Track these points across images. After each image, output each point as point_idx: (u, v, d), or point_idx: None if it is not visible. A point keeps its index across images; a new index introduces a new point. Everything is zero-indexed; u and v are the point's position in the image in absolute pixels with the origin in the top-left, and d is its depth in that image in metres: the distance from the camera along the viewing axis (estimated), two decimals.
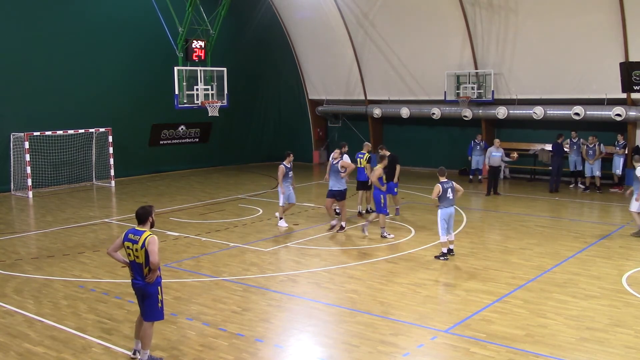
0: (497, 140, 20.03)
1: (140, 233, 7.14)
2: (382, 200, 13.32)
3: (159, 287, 7.24)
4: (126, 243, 7.21)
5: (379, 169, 13.36)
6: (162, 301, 7.30)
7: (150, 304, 7.20)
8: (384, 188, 13.33)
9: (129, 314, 8.92)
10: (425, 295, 9.66)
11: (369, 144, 16.79)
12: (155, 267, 7.05)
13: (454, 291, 9.82)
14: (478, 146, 21.67)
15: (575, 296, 9.50)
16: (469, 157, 21.69)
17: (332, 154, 14.89)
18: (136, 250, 7.09)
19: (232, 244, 13.08)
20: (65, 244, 13.31)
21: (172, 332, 8.21)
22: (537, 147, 21.38)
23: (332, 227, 14.17)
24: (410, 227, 14.52)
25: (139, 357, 7.32)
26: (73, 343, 7.91)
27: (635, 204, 13.37)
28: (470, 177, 22.29)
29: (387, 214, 13.80)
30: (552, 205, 17.55)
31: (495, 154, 19.26)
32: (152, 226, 7.31)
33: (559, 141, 19.68)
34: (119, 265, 11.41)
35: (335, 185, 13.84)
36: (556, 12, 19.97)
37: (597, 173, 19.58)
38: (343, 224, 14.06)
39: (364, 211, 16.11)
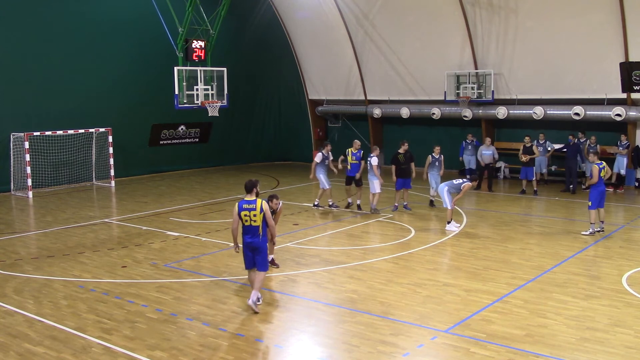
0: (487, 139, 20.18)
1: (254, 201, 8.55)
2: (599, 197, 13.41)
3: (266, 244, 8.91)
4: (243, 212, 8.59)
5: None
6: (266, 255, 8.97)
7: (262, 258, 8.80)
8: (594, 180, 13.39)
9: (129, 314, 8.93)
10: (425, 295, 9.66)
11: (358, 141, 17.38)
12: (273, 225, 8.87)
13: (454, 291, 9.81)
14: (470, 146, 21.17)
15: (575, 296, 9.50)
16: (460, 158, 21.38)
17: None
18: (254, 215, 8.54)
19: (232, 244, 13.05)
20: (65, 244, 13.31)
21: (172, 332, 8.21)
22: (556, 145, 20.63)
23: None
24: (410, 227, 14.52)
25: (253, 299, 8.78)
26: (73, 343, 7.91)
27: (377, 186, 15.64)
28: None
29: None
30: (552, 205, 17.54)
31: (486, 152, 19.60)
32: (257, 196, 8.65)
33: (575, 140, 19.48)
34: (118, 265, 11.46)
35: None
36: (556, 12, 19.96)
37: None
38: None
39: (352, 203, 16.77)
